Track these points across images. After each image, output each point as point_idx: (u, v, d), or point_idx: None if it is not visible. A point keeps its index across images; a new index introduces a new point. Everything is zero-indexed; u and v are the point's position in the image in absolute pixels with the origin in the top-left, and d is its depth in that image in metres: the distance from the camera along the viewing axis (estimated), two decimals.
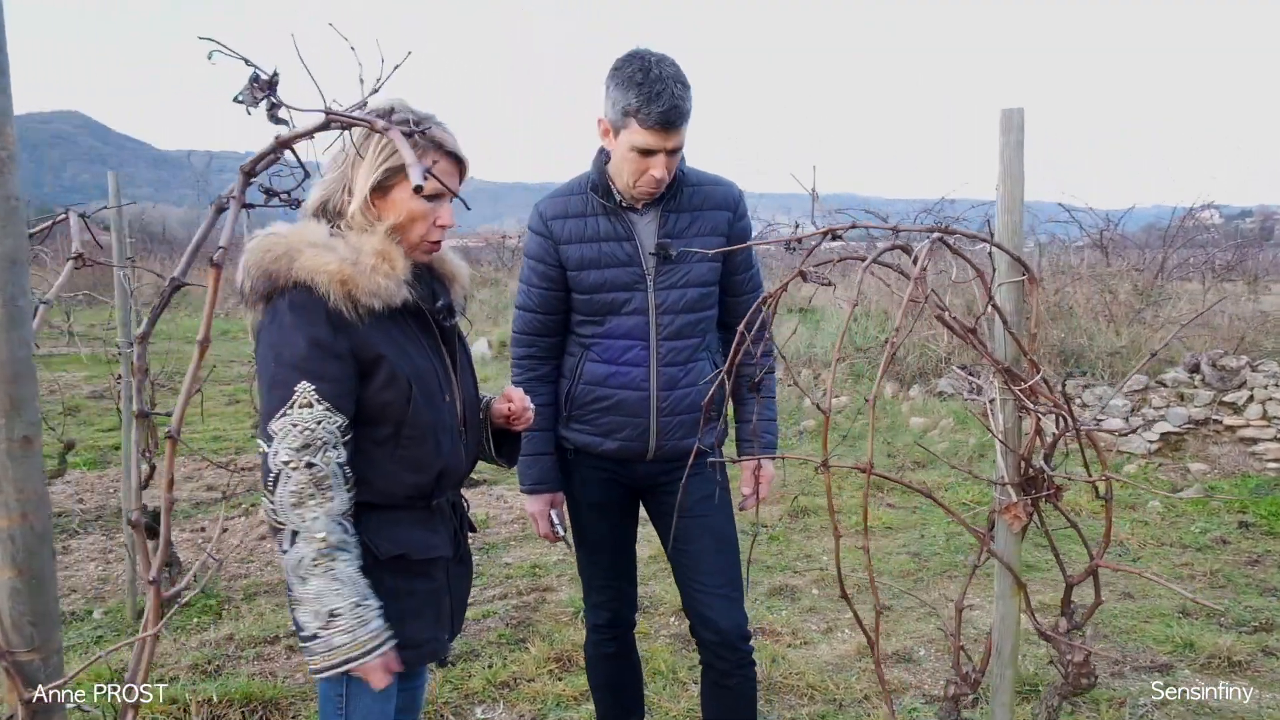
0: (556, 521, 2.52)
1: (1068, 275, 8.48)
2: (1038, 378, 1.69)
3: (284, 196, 0.94)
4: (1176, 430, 6.60)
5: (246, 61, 0.85)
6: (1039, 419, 1.69)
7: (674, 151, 2.20)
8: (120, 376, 4.12)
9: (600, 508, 2.51)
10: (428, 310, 1.86)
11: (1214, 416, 6.49)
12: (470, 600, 4.43)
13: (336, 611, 1.66)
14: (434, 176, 1.36)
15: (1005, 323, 1.67)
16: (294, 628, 1.73)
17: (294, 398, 1.66)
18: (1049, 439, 1.70)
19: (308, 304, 1.68)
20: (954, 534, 5.54)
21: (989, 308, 1.63)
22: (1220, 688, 3.60)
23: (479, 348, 13.42)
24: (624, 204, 2.32)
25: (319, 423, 1.66)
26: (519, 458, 2.47)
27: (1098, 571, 1.78)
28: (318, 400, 1.67)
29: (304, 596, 1.66)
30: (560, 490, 2.53)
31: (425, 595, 1.86)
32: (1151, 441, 6.66)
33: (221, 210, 1.02)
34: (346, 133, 1.77)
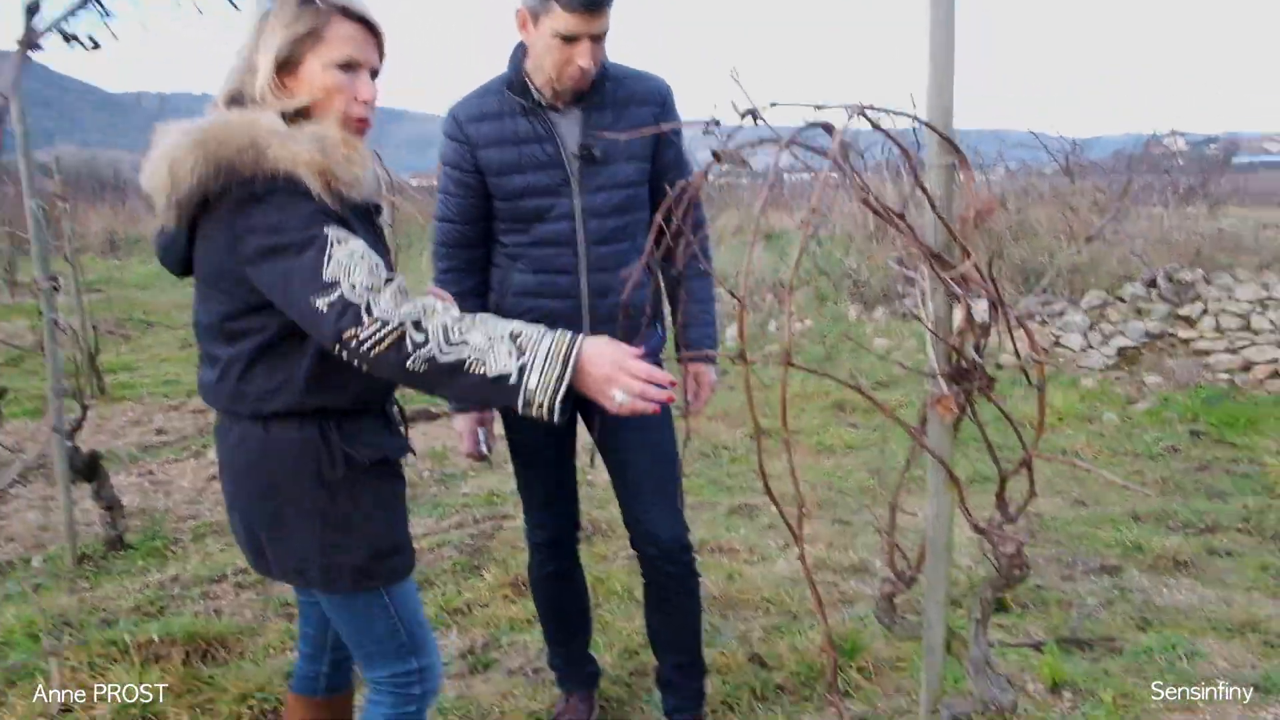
0: (482, 439, 2.43)
1: (1031, 195, 8.44)
2: (968, 264, 1.62)
3: (86, 42, 0.84)
4: (1133, 345, 6.63)
5: None
6: (969, 307, 1.63)
7: (599, 38, 2.08)
8: (41, 315, 3.96)
9: (536, 423, 2.43)
10: (372, 209, 1.75)
11: (1169, 330, 6.53)
12: (427, 531, 4.44)
13: (515, 332, 1.51)
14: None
15: (933, 206, 1.59)
16: (498, 392, 1.49)
17: (328, 240, 1.50)
18: (980, 328, 1.64)
19: (293, 189, 1.52)
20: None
21: (915, 190, 1.55)
22: (1165, 585, 3.65)
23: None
24: (543, 103, 2.19)
25: (367, 249, 1.52)
26: None
27: (1032, 463, 1.74)
28: (352, 236, 1.53)
29: (479, 349, 1.48)
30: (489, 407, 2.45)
31: (402, 498, 1.80)
32: (1109, 357, 6.70)
33: (32, 48, 0.91)
34: (254, 14, 1.67)
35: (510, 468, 2.59)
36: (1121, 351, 6.66)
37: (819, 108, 1.55)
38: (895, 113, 1.53)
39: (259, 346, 1.62)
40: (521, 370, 1.49)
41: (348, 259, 1.48)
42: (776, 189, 16.07)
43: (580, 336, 1.56)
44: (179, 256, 1.69)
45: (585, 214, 2.22)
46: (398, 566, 1.74)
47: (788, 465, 1.53)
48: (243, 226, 1.53)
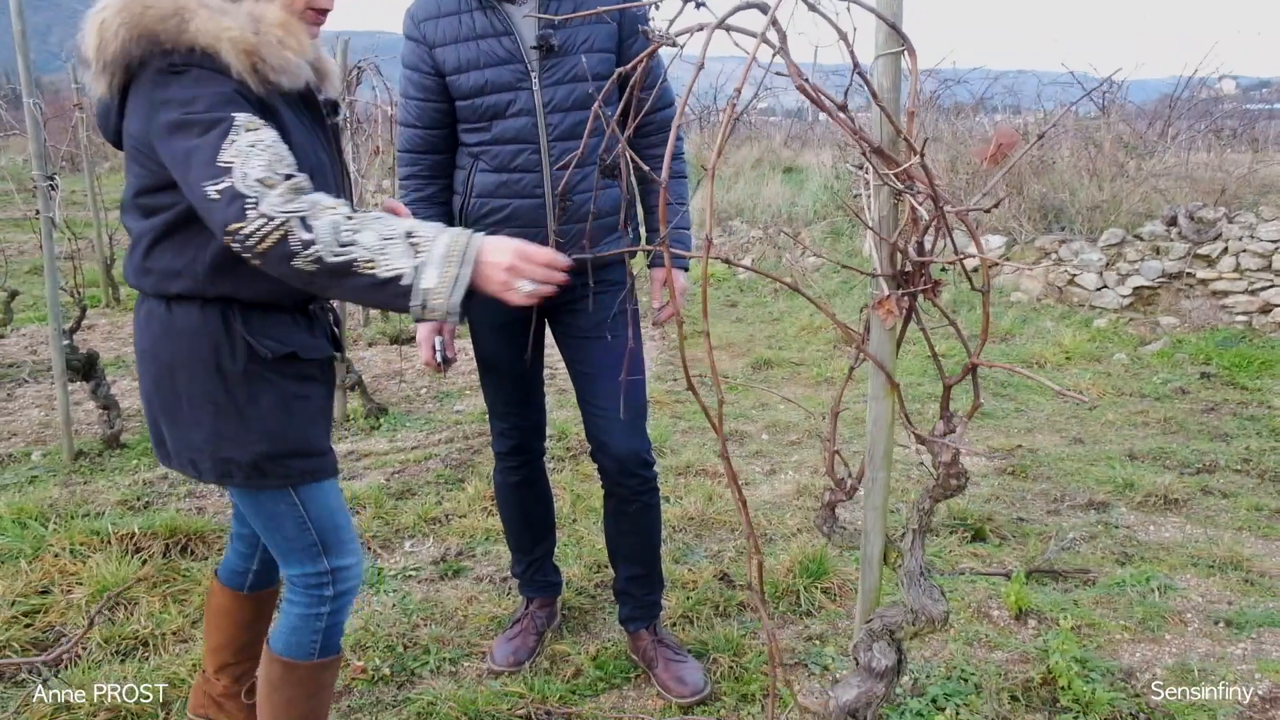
0: (438, 348, 2.40)
1: (1057, 130, 8.19)
2: (914, 161, 1.56)
3: None
4: (1149, 284, 6.48)
5: None
6: (914, 204, 1.57)
7: None
8: (38, 212, 3.97)
9: (498, 329, 2.40)
10: (321, 102, 1.70)
11: (1188, 270, 6.36)
12: (415, 445, 4.47)
13: (410, 230, 1.45)
14: None
15: (875, 97, 1.52)
16: (392, 296, 1.44)
17: (236, 124, 1.44)
18: (921, 228, 1.58)
19: (212, 65, 1.47)
20: (913, 384, 5.49)
21: (853, 76, 1.48)
22: (1152, 523, 3.60)
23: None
24: None
25: (275, 142, 1.46)
26: None
27: (976, 371, 1.68)
28: (264, 124, 1.47)
29: (370, 249, 1.42)
30: None
31: (318, 401, 1.75)
32: (1124, 296, 6.55)
33: None
34: None
35: None
36: (1137, 291, 6.51)
37: None
38: None
39: (167, 224, 1.59)
40: (417, 270, 1.43)
41: (248, 148, 1.42)
42: (802, 125, 15.77)
43: (479, 234, 1.51)
44: (112, 126, 1.64)
45: (546, 109, 2.16)
46: (297, 469, 1.69)
47: (804, 405, 1.49)
48: (159, 98, 1.48)
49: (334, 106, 1.79)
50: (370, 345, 6.46)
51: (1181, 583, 3.02)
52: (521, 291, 1.50)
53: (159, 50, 1.48)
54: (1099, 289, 6.66)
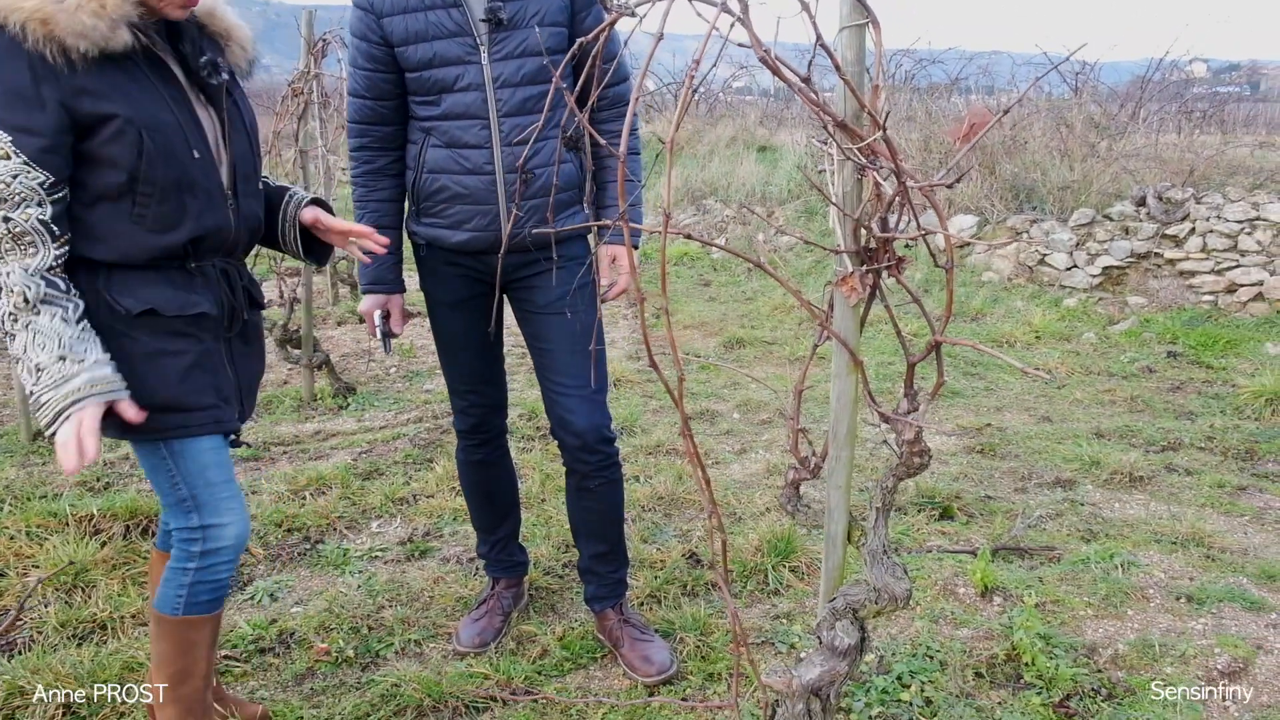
0: (379, 323, 2.38)
1: (1025, 108, 8.21)
2: (877, 135, 1.53)
3: None
4: (1119, 264, 6.52)
5: None
6: (877, 179, 1.55)
7: None
8: None
9: (456, 306, 2.37)
10: (178, 62, 1.72)
11: (1156, 250, 6.41)
12: (384, 425, 4.42)
13: (40, 366, 1.58)
14: None
15: (838, 69, 1.50)
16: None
17: None
18: (886, 202, 1.56)
19: (5, 48, 1.52)
20: (885, 364, 5.51)
21: (816, 48, 1.45)
22: (1118, 500, 3.63)
23: None
24: None
25: (15, 177, 1.54)
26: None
27: (940, 349, 1.67)
28: (15, 153, 1.54)
29: (16, 353, 1.60)
30: (397, 292, 2.39)
31: (195, 357, 1.77)
32: (1093, 275, 6.59)
33: None
34: None
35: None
36: (1106, 271, 6.55)
37: None
38: None
39: None
40: (31, 395, 1.60)
41: None
42: (778, 104, 15.71)
43: (76, 409, 1.60)
44: None
45: (495, 83, 2.12)
46: (169, 424, 1.74)
47: (777, 388, 1.46)
48: None
49: (213, 66, 1.78)
50: (340, 325, 6.39)
51: (1145, 559, 3.04)
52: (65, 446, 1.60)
53: None
54: (1069, 269, 6.70)
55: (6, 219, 1.54)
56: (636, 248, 2.45)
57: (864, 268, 1.63)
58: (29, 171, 1.55)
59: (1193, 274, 6.30)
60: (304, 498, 3.49)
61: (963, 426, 4.51)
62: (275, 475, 3.68)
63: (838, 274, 1.67)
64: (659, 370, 1.50)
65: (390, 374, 5.29)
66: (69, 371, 1.59)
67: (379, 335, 2.39)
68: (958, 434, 4.42)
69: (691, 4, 1.48)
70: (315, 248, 2.07)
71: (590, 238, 2.45)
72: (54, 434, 1.59)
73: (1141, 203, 6.48)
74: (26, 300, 1.57)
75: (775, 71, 1.46)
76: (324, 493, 3.53)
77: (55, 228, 1.60)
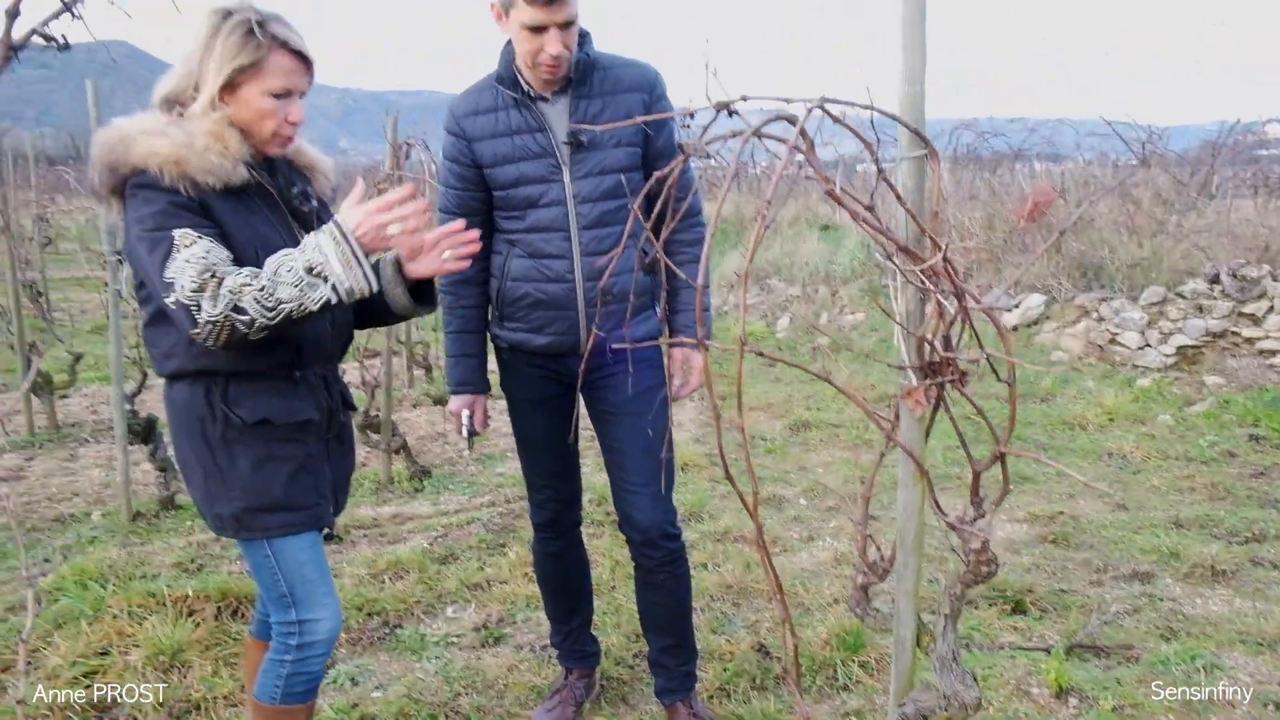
0: (466, 421, 2.52)
1: (1093, 186, 8.19)
2: (938, 258, 1.62)
3: (57, 40, 0.91)
4: (1193, 343, 6.42)
5: None
6: (940, 300, 1.62)
7: (566, 26, 2.14)
8: (107, 285, 4.16)
9: (536, 405, 2.50)
10: (276, 192, 1.92)
11: (1232, 328, 6.30)
12: (459, 508, 4.55)
13: (309, 265, 1.73)
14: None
15: (899, 198, 1.59)
16: (330, 307, 1.77)
17: (175, 243, 1.72)
18: (947, 322, 1.63)
19: (152, 182, 1.74)
20: (951, 447, 5.47)
21: (878, 180, 1.55)
22: (1199, 595, 3.55)
23: None
24: (533, 94, 2.27)
25: (208, 252, 1.72)
26: (447, 358, 2.49)
27: (1005, 458, 1.72)
28: (200, 237, 1.73)
29: (293, 299, 1.72)
30: (482, 392, 2.53)
31: (300, 460, 1.92)
32: (1167, 355, 6.49)
33: (14, 50, 0.99)
34: (200, 32, 1.83)
35: None
36: (1181, 350, 6.45)
37: (787, 100, 1.57)
38: (856, 105, 1.54)
39: (155, 311, 1.86)
40: (334, 289, 1.74)
41: (185, 263, 1.69)
42: (832, 180, 15.84)
43: (340, 224, 1.78)
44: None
45: (576, 199, 2.28)
46: (273, 523, 1.89)
47: (834, 470, 1.54)
48: (127, 219, 1.79)
49: (304, 195, 2.00)
50: (415, 406, 6.59)
51: (1229, 661, 2.97)
52: (394, 234, 1.83)
53: (120, 176, 1.77)
54: (1141, 348, 6.62)
55: (215, 275, 1.71)
56: (707, 349, 2.57)
57: (928, 381, 1.70)
58: (215, 247, 1.73)
59: (1273, 353, 6.17)
60: (383, 581, 3.60)
61: (1034, 514, 4.46)
62: (356, 558, 3.81)
63: (903, 387, 1.74)
64: (735, 485, 1.59)
65: (464, 456, 5.44)
66: (312, 245, 1.75)
67: (465, 433, 2.53)
68: (1029, 522, 4.37)
69: (760, 140, 1.60)
70: (420, 294, 2.15)
71: (662, 340, 2.57)
72: (359, 251, 1.77)
73: (1215, 280, 6.40)
74: (248, 278, 1.71)
75: (841, 203, 1.56)
76: (402, 577, 3.65)
77: None
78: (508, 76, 2.27)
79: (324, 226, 1.79)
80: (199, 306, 1.68)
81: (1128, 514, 4.51)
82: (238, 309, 1.69)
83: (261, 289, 1.70)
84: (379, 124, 4.74)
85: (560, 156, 2.27)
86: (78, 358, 5.98)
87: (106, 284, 4.21)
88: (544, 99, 2.27)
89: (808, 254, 10.11)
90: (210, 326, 1.69)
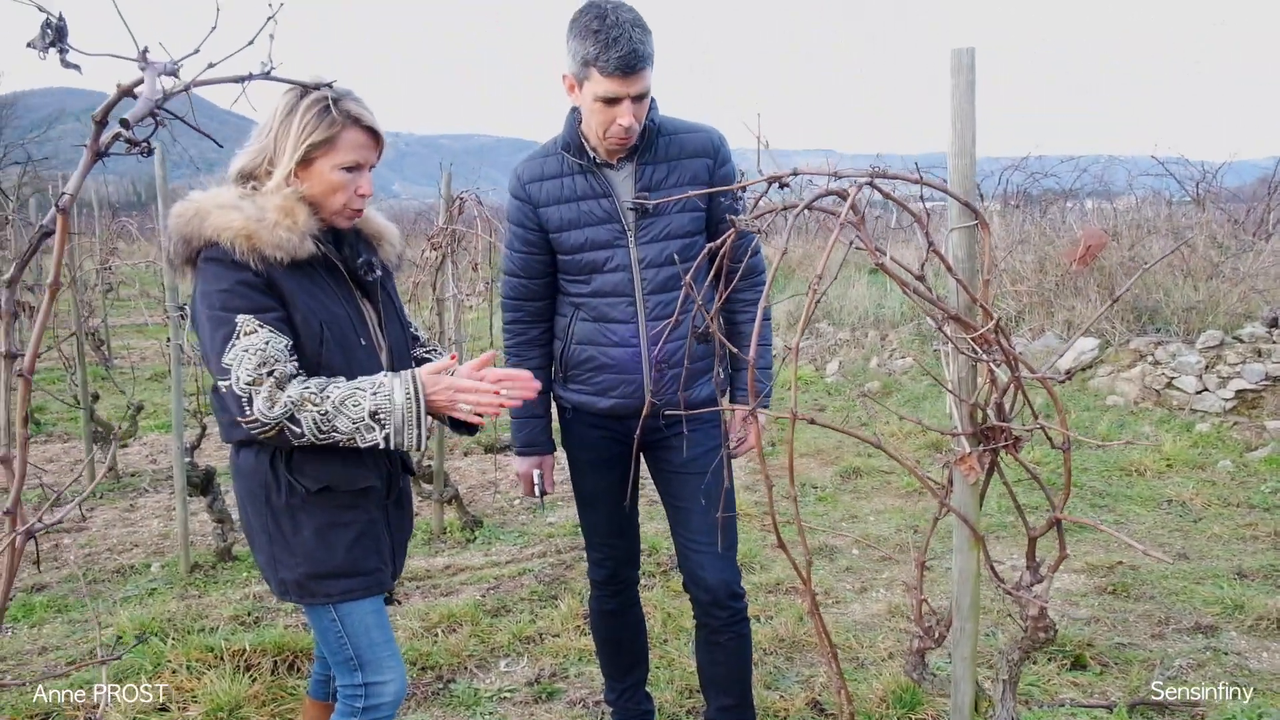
0: (537, 482, 2.56)
1: (1143, 229, 8.10)
2: (989, 326, 1.63)
3: (142, 146, 0.97)
4: (1253, 387, 6.29)
5: (39, 8, 0.88)
6: (991, 368, 1.63)
7: (639, 98, 2.17)
8: (169, 340, 4.29)
9: (598, 465, 2.53)
10: (341, 264, 1.98)
11: None
12: (510, 559, 4.58)
13: (374, 410, 1.82)
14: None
15: (950, 269, 1.62)
16: (373, 452, 1.94)
17: (237, 329, 1.79)
18: (1000, 389, 1.64)
19: (223, 257, 1.81)
20: (1004, 496, 5.39)
21: (929, 253, 1.57)
22: (1265, 649, 3.46)
23: None
24: (599, 161, 2.31)
25: (267, 343, 1.80)
26: (512, 419, 2.53)
27: (1061, 524, 1.72)
28: (260, 326, 1.80)
29: (347, 433, 1.81)
30: (549, 453, 2.57)
31: (362, 526, 1.97)
32: (1226, 399, 6.36)
33: (100, 156, 1.05)
34: (277, 108, 1.91)
35: None
36: (1240, 395, 6.32)
37: (836, 176, 1.60)
38: (904, 178, 1.57)
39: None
40: (386, 439, 1.84)
41: (243, 352, 1.77)
42: (888, 221, 15.81)
43: (419, 384, 1.87)
44: None
45: (641, 264, 2.32)
46: (335, 589, 1.94)
47: (886, 519, 1.56)
48: (196, 290, 1.87)
49: (369, 266, 2.04)
50: (466, 454, 6.67)
51: None
52: (464, 411, 1.92)
53: (193, 248, 1.84)
54: (1199, 392, 6.49)
55: (272, 372, 1.78)
56: (765, 408, 2.60)
57: (981, 448, 1.71)
58: (276, 338, 1.81)
59: None
60: (436, 635, 3.64)
61: (1093, 565, 4.37)
62: (409, 611, 3.85)
63: (956, 454, 1.74)
64: (788, 553, 1.60)
65: (514, 506, 5.48)
66: (385, 391, 1.84)
67: (536, 493, 2.57)
68: (1087, 572, 4.29)
69: (811, 210, 1.63)
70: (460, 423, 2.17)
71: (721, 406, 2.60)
72: (423, 407, 1.87)
73: (1274, 324, 6.28)
74: (314, 393, 1.80)
75: (891, 275, 1.58)
76: (455, 630, 3.68)
77: (302, 376, 1.86)
78: (573, 143, 2.32)
79: (404, 376, 1.87)
80: (250, 400, 1.76)
81: (1189, 564, 4.40)
82: (294, 419, 1.78)
83: (324, 414, 1.79)
84: (430, 167, 4.86)
85: (625, 222, 2.32)
86: (138, 408, 6.15)
87: (169, 339, 4.33)
88: (609, 165, 2.32)
89: (857, 298, 10.09)
90: (260, 425, 1.78)
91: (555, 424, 2.60)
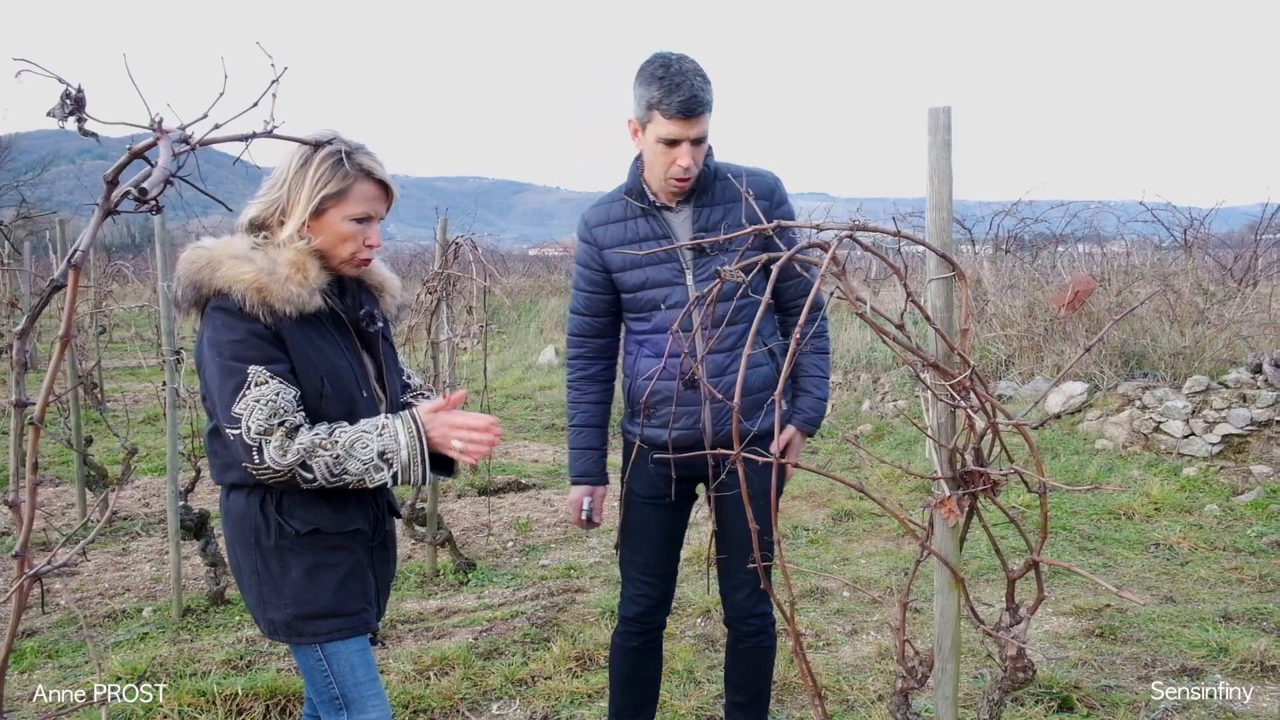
0: (587, 508, 2.68)
1: (1131, 275, 8.22)
2: (966, 374, 1.70)
3: (151, 204, 1.03)
4: (1238, 432, 6.36)
5: (59, 79, 0.94)
6: (969, 414, 1.70)
7: (698, 142, 2.32)
8: (165, 384, 4.34)
9: (652, 501, 2.63)
10: (345, 316, 2.04)
11: (1277, 418, 6.24)
12: (503, 601, 4.59)
13: (381, 451, 1.91)
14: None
15: (929, 319, 1.69)
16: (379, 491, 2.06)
17: (249, 379, 1.85)
18: (978, 434, 1.70)
19: (232, 307, 1.86)
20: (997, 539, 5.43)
21: (908, 304, 1.64)
22: (1248, 692, 3.49)
23: (547, 355, 13.63)
24: (659, 204, 2.46)
25: (278, 394, 1.86)
26: (570, 450, 2.69)
27: (1039, 566, 1.77)
28: (271, 377, 1.86)
29: (357, 474, 1.90)
30: (602, 484, 2.71)
31: (349, 568, 2.02)
32: (1213, 444, 6.43)
33: (110, 214, 1.11)
34: (291, 160, 1.97)
35: (590, 541, 2.79)
36: (1226, 439, 6.39)
37: (818, 229, 1.68)
38: (882, 230, 1.65)
39: (215, 426, 1.98)
40: (395, 478, 1.94)
41: (254, 402, 1.83)
42: (881, 266, 15.98)
43: (420, 423, 1.96)
44: None
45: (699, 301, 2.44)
46: (323, 629, 1.98)
47: (877, 561, 1.62)
48: (204, 336, 1.92)
49: (370, 317, 2.11)
50: (459, 497, 6.68)
51: None
52: (457, 449, 1.99)
53: (203, 295, 1.89)
54: (1186, 436, 6.56)
55: (283, 423, 1.84)
56: (816, 426, 2.67)
57: (961, 491, 1.77)
58: (285, 389, 1.87)
59: None
60: (429, 678, 3.65)
61: (1080, 607, 4.40)
62: (401, 654, 3.86)
63: (935, 497, 1.80)
64: (773, 595, 1.65)
65: (508, 548, 5.50)
66: (391, 427, 1.94)
67: (585, 518, 2.69)
68: (1075, 615, 4.32)
69: (795, 263, 1.70)
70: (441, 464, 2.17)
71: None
72: (426, 451, 1.97)
73: (1258, 370, 6.37)
74: (325, 438, 1.87)
75: (874, 326, 1.65)
76: (447, 673, 3.69)
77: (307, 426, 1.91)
78: (635, 188, 2.48)
79: (404, 416, 1.96)
80: (260, 449, 1.82)
81: (1176, 606, 4.44)
82: (305, 466, 1.85)
83: (335, 458, 1.86)
84: (426, 210, 4.94)
85: (683, 261, 2.46)
86: (133, 451, 6.16)
87: (165, 382, 4.38)
88: (669, 208, 2.47)
89: (849, 341, 10.18)
90: (269, 472, 1.84)
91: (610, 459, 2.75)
